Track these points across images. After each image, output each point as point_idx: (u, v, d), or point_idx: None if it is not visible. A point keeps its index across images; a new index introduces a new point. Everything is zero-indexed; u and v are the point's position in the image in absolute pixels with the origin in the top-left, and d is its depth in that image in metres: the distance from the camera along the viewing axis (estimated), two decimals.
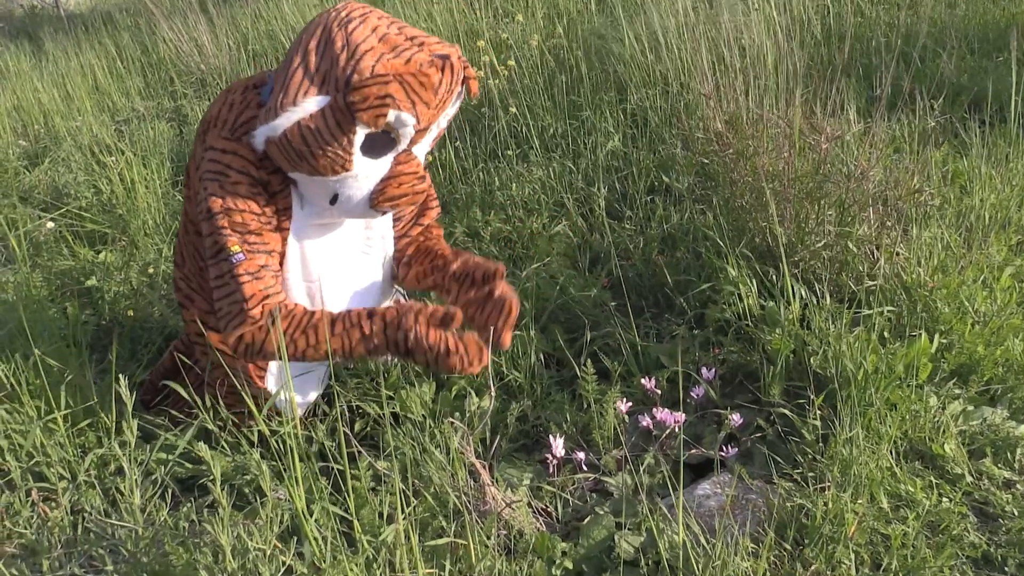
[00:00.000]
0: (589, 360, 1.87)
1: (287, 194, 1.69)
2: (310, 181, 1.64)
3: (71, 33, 6.02)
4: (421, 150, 1.71)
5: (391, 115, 1.53)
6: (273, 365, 1.83)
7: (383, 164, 1.63)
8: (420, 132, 1.62)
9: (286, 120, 1.54)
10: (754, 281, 2.03)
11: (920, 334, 1.87)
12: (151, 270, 2.80)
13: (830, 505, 1.54)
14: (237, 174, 1.64)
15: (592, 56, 3.44)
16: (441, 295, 1.89)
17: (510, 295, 1.75)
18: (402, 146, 1.63)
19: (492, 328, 1.72)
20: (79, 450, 1.88)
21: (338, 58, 1.52)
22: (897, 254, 2.04)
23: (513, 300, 1.74)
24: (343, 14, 1.57)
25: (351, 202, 1.65)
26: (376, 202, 1.65)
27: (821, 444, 1.71)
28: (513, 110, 3.09)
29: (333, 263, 1.80)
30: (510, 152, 3.00)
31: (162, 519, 1.54)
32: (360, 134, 1.55)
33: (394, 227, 1.94)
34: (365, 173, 1.62)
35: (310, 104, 1.53)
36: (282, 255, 1.73)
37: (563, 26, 3.81)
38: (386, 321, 1.63)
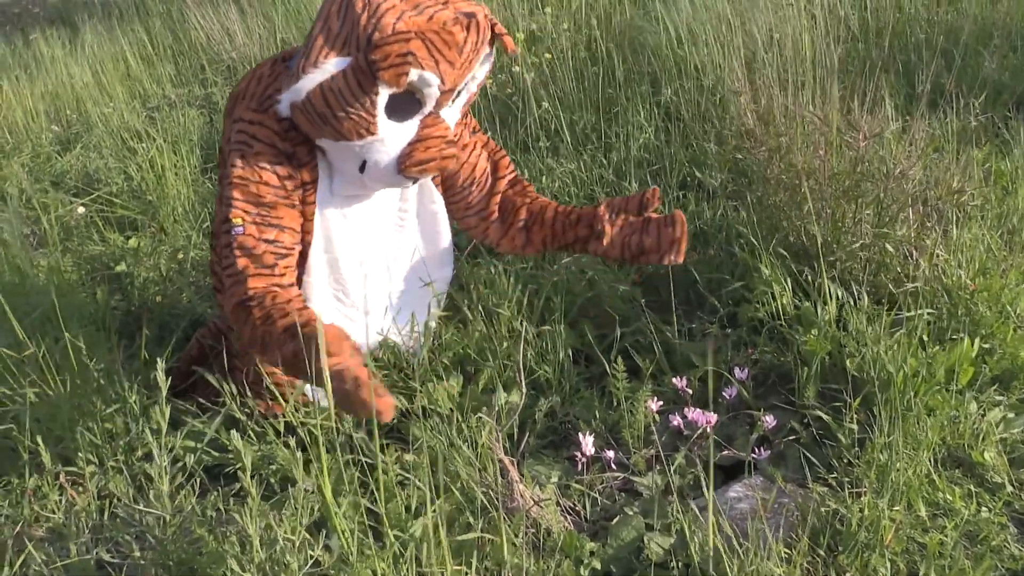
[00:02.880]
0: (619, 357, 1.85)
1: (314, 166, 1.67)
2: (337, 147, 1.61)
3: (104, 19, 6.06)
4: (450, 114, 1.67)
5: (413, 74, 1.49)
6: None
7: (409, 128, 1.60)
8: (446, 93, 1.58)
9: (308, 83, 1.52)
10: (789, 280, 1.99)
11: (961, 338, 1.82)
12: (180, 256, 2.81)
13: (866, 511, 1.50)
14: (261, 144, 1.62)
15: (626, 48, 3.40)
16: (590, 249, 1.87)
17: (674, 212, 1.80)
18: (428, 108, 1.59)
19: (672, 242, 1.77)
20: (107, 435, 1.89)
21: (359, 18, 1.50)
22: (937, 255, 1.99)
23: (679, 212, 1.77)
24: None
25: (379, 167, 1.62)
26: (404, 166, 1.61)
27: (857, 448, 1.67)
28: (545, 104, 3.06)
29: (362, 236, 1.77)
30: (541, 144, 2.97)
31: (190, 507, 1.54)
32: (383, 94, 1.52)
33: (469, 195, 1.90)
34: (391, 137, 1.59)
35: (331, 65, 1.51)
36: (305, 232, 1.71)
37: (596, 18, 3.77)
38: (331, 363, 1.40)
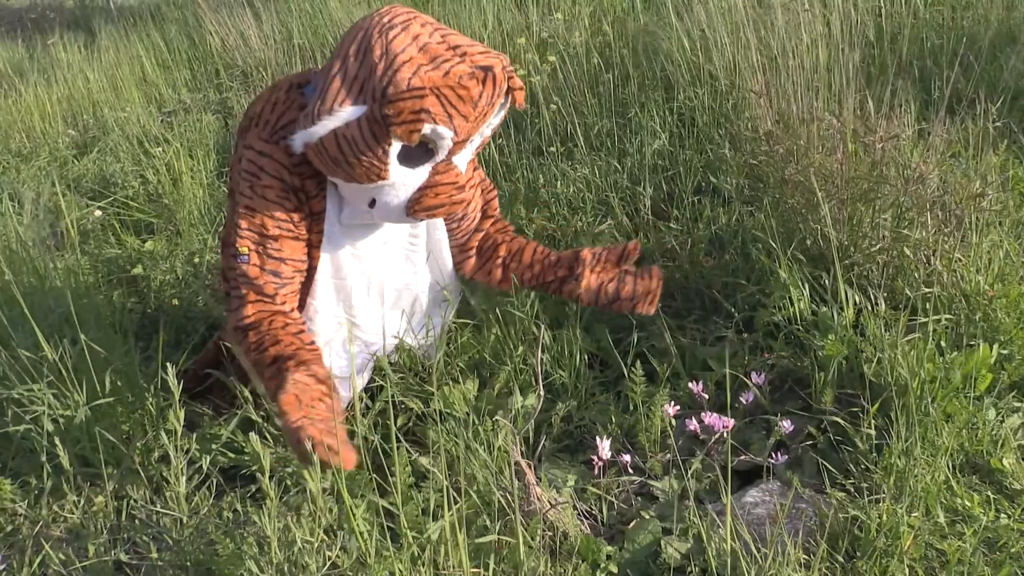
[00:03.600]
0: (636, 361, 1.84)
1: (323, 197, 1.69)
2: (348, 185, 1.63)
3: (120, 25, 6.11)
4: (463, 159, 1.68)
5: (427, 128, 1.50)
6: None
7: (421, 173, 1.61)
8: (459, 143, 1.59)
9: (322, 128, 1.53)
10: (805, 285, 1.98)
11: (979, 344, 1.81)
12: (196, 259, 2.82)
13: (884, 517, 1.49)
14: (269, 178, 1.64)
15: (639, 54, 3.40)
16: (565, 291, 1.91)
17: (652, 267, 1.87)
18: (440, 157, 1.60)
19: (647, 293, 1.85)
20: (124, 436, 1.90)
21: (376, 67, 1.49)
22: (956, 260, 1.98)
23: (656, 268, 1.84)
24: (386, 19, 1.53)
25: (388, 208, 1.64)
26: (412, 210, 1.63)
27: (874, 454, 1.66)
28: (554, 107, 3.07)
29: (371, 265, 1.80)
30: (555, 149, 2.98)
31: (206, 508, 1.54)
32: (396, 146, 1.53)
33: (458, 228, 1.93)
34: (403, 182, 1.60)
35: (346, 113, 1.51)
36: (308, 263, 1.73)
37: (608, 23, 3.78)
38: (288, 422, 1.43)
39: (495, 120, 1.66)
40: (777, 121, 2.26)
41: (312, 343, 1.69)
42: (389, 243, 1.83)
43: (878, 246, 2.02)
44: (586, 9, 4.00)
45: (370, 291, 1.83)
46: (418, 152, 1.57)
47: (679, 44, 3.16)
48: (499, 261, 1.95)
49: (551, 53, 3.38)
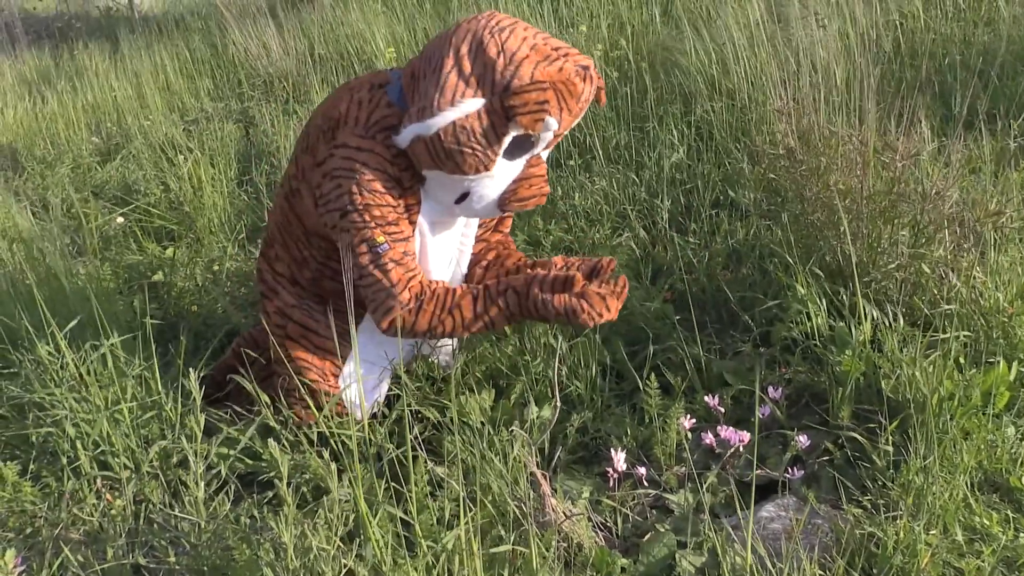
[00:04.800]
0: (652, 374, 1.84)
1: (416, 190, 1.75)
2: (443, 179, 1.69)
3: (144, 34, 6.19)
4: (545, 154, 1.77)
5: (551, 122, 1.59)
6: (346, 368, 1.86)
7: (517, 166, 1.69)
8: (556, 138, 1.68)
9: (442, 119, 1.60)
10: (823, 300, 1.98)
11: (998, 361, 1.80)
12: (216, 267, 2.85)
13: (902, 535, 1.49)
14: (372, 171, 1.69)
15: (657, 67, 3.41)
16: None
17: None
18: (538, 149, 1.69)
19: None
20: (143, 441, 1.92)
21: (495, 64, 1.58)
22: (974, 277, 1.97)
23: (623, 277, 1.82)
24: (493, 22, 1.63)
25: (482, 201, 1.72)
26: (507, 202, 1.71)
27: (892, 471, 1.65)
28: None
29: (438, 258, 1.87)
30: (573, 162, 2.99)
31: (224, 514, 1.56)
32: (510, 136, 1.61)
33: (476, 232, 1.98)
34: (501, 174, 1.68)
35: (467, 105, 1.58)
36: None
37: (627, 37, 3.79)
38: (518, 294, 1.72)
39: None
40: (799, 137, 2.26)
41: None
42: (449, 240, 1.90)
43: (896, 263, 2.01)
44: (604, 22, 4.01)
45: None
46: (521, 145, 1.66)
47: (697, 58, 3.17)
48: (484, 263, 2.01)
49: None
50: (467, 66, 1.60)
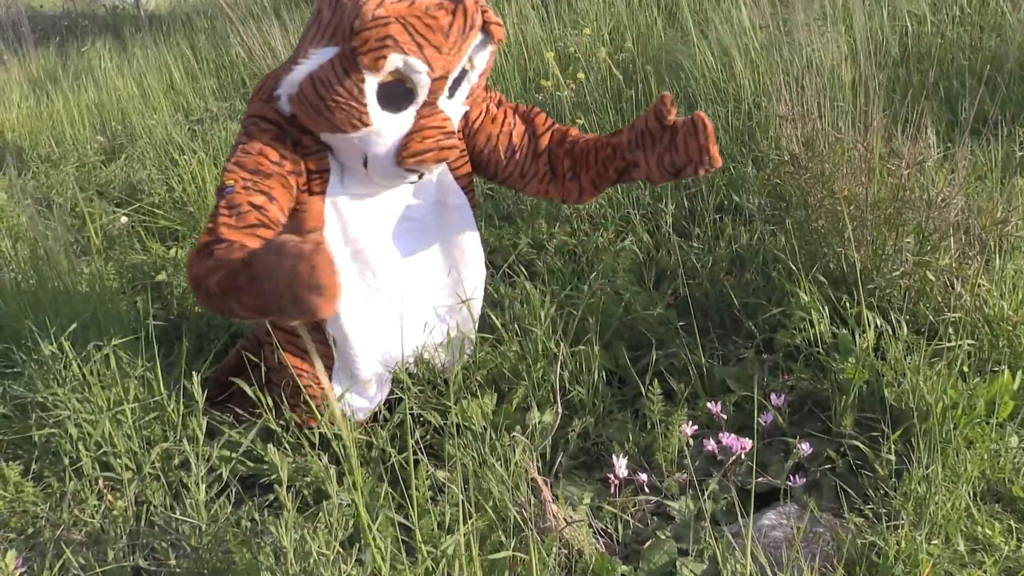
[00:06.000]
0: (654, 379, 1.84)
1: (323, 156, 1.68)
2: (340, 142, 1.63)
3: (150, 33, 6.20)
4: (452, 107, 1.67)
5: (398, 60, 1.51)
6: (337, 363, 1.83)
7: (405, 118, 1.60)
8: (438, 81, 1.58)
9: (299, 74, 1.55)
10: (827, 307, 1.97)
11: (1002, 370, 1.80)
12: None
13: (903, 544, 1.48)
14: (267, 124, 1.65)
15: (662, 71, 3.41)
16: (635, 177, 1.81)
17: (694, 115, 1.67)
18: (421, 97, 1.59)
19: (700, 151, 1.65)
20: (145, 442, 1.92)
21: (346, 8, 1.52)
22: (979, 285, 1.96)
23: (700, 114, 1.67)
24: None
25: (378, 161, 1.62)
26: (401, 157, 1.60)
27: (894, 480, 1.65)
28: (580, 122, 3.08)
29: (382, 233, 1.78)
30: None
31: (225, 517, 1.56)
32: (370, 82, 1.53)
33: (514, 165, 1.87)
34: (387, 128, 1.59)
35: (320, 55, 1.54)
36: (316, 222, 1.70)
37: (631, 39, 3.79)
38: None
39: (479, 62, 1.65)
40: (804, 143, 2.25)
41: None
42: (396, 212, 1.80)
43: (900, 270, 2.00)
44: (608, 25, 4.01)
45: (389, 258, 1.80)
46: (397, 94, 1.57)
47: (701, 62, 3.16)
48: (569, 175, 1.84)
49: (579, 70, 3.39)
50: (325, 15, 1.55)
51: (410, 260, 1.83)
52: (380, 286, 1.80)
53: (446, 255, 1.89)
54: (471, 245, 1.91)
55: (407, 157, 1.60)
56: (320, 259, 1.23)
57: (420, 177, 1.69)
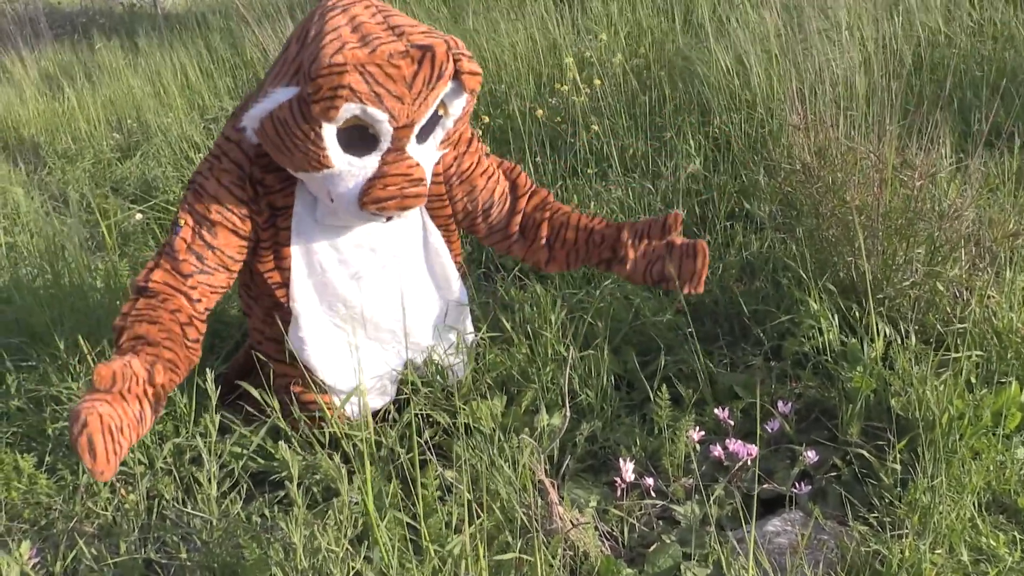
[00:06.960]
0: (663, 385, 1.85)
1: (289, 193, 1.67)
2: (304, 177, 1.61)
3: (166, 32, 6.24)
4: (423, 152, 1.62)
5: (355, 108, 1.45)
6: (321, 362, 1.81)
7: (369, 163, 1.55)
8: (403, 129, 1.52)
9: (261, 110, 1.52)
10: (836, 316, 1.98)
11: (1010, 382, 1.80)
12: None
13: (907, 553, 1.49)
14: (229, 162, 1.64)
15: (676, 77, 3.42)
16: (614, 271, 1.88)
17: (696, 241, 1.76)
18: (385, 144, 1.53)
19: (693, 274, 1.76)
20: (157, 437, 1.94)
21: (309, 48, 1.46)
22: (989, 297, 1.97)
23: (701, 242, 1.74)
24: (330, 2, 1.53)
25: (342, 201, 1.58)
26: (361, 202, 1.55)
27: (899, 489, 1.66)
28: (595, 128, 3.09)
29: (349, 264, 1.75)
30: (590, 170, 3.00)
31: (236, 512, 1.58)
32: (328, 128, 1.47)
33: (488, 218, 1.90)
34: (351, 172, 1.54)
35: (280, 94, 1.49)
36: (282, 257, 1.71)
37: (646, 45, 3.80)
38: (85, 396, 1.41)
39: (454, 109, 1.59)
40: (816, 152, 2.26)
41: (195, 341, 1.62)
42: (371, 244, 1.76)
43: (910, 280, 2.01)
44: (623, 30, 4.02)
45: (359, 289, 1.77)
46: (359, 140, 1.52)
47: (716, 69, 3.17)
48: (542, 242, 1.89)
49: (595, 76, 3.41)
50: (293, 50, 1.50)
51: (386, 290, 1.81)
52: (353, 316, 1.78)
53: (423, 285, 1.88)
54: (449, 275, 1.90)
55: (368, 203, 1.55)
56: (91, 426, 1.31)
57: (389, 219, 1.65)
